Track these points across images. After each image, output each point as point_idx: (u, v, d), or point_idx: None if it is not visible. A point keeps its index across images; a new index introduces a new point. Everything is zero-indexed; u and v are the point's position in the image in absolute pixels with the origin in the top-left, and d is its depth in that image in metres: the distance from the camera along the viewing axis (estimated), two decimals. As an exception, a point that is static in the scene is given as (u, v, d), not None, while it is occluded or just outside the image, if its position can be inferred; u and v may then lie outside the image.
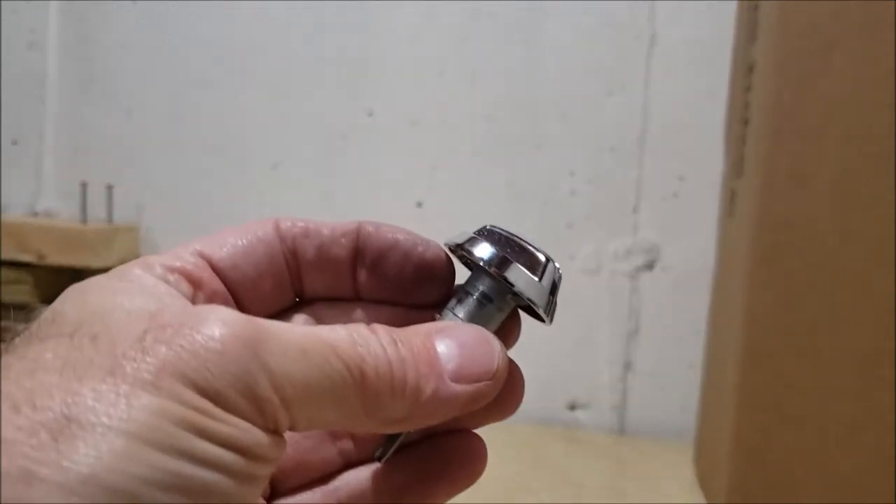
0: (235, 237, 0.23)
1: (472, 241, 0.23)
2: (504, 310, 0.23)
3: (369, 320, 0.23)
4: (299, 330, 0.18)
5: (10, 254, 0.91)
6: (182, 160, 1.00)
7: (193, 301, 0.21)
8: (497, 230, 0.23)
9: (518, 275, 0.22)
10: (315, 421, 0.18)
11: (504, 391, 0.21)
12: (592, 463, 0.81)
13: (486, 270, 0.22)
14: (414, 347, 0.19)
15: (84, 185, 0.97)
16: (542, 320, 0.24)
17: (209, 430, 0.15)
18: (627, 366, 0.93)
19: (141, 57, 1.00)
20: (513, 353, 0.23)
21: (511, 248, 0.22)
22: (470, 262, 0.24)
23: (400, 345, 0.19)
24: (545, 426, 0.88)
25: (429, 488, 0.22)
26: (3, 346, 0.18)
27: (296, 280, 0.23)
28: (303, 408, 0.17)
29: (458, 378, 0.19)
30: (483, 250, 0.22)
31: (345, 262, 0.23)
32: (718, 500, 0.65)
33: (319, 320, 0.24)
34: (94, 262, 0.91)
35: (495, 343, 0.21)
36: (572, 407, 0.94)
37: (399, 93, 0.96)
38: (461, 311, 0.22)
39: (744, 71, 0.69)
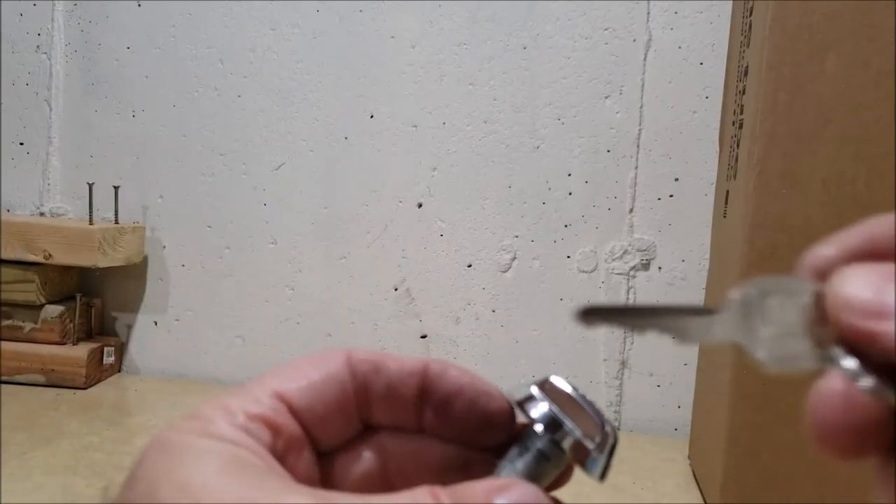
0: (309, 372, 0.24)
1: (531, 400, 0.23)
2: (560, 466, 0.23)
3: (432, 456, 0.24)
4: None
5: (16, 254, 0.91)
6: (187, 161, 1.01)
7: (273, 447, 0.22)
8: (558, 385, 0.24)
9: (573, 443, 0.23)
10: None
11: None
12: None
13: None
14: None
15: (90, 186, 0.98)
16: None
17: None
18: (624, 364, 0.94)
19: (146, 59, 1.01)
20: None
21: (568, 411, 0.23)
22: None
23: None
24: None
25: None
26: None
27: (364, 411, 0.24)
28: None
29: None
30: (540, 413, 0.23)
31: (411, 399, 0.24)
32: (714, 496, 0.66)
33: (385, 453, 0.25)
34: (101, 262, 0.92)
35: None
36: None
37: (400, 96, 0.97)
38: (520, 464, 0.23)
39: (738, 74, 0.70)
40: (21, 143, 1.04)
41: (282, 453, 0.22)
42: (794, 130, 0.59)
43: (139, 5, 1.01)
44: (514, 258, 0.95)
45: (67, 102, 1.03)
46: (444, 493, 0.20)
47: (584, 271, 0.94)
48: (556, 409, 0.23)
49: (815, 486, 0.59)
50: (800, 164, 0.59)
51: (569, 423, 0.23)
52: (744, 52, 0.68)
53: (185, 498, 0.18)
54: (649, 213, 0.93)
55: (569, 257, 0.94)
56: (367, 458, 0.25)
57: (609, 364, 0.94)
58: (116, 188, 0.99)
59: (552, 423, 0.23)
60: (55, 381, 0.91)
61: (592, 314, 0.22)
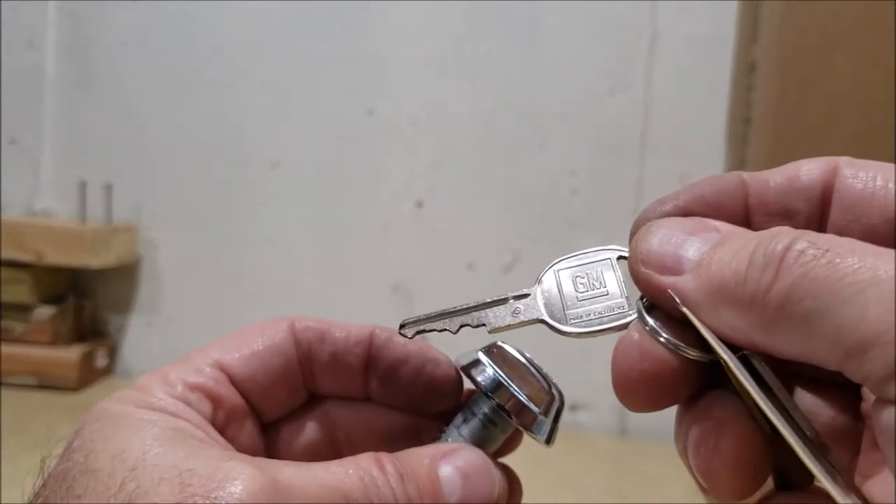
0: (252, 343, 0.24)
1: (477, 365, 0.23)
2: (507, 430, 0.23)
3: (380, 423, 0.25)
4: (316, 484, 0.19)
5: (8, 253, 0.91)
6: (181, 159, 1.00)
7: (213, 418, 0.22)
8: (505, 350, 0.23)
9: (518, 406, 0.23)
10: None
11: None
12: (593, 464, 0.81)
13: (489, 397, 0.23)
14: (420, 482, 0.20)
15: (83, 185, 0.97)
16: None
17: None
18: (628, 366, 0.93)
19: (140, 56, 1.00)
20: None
21: (514, 375, 0.23)
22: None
23: (407, 482, 0.20)
24: (545, 427, 0.87)
25: None
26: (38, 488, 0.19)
27: (309, 380, 0.24)
28: None
29: None
30: (486, 377, 0.23)
31: (357, 368, 0.24)
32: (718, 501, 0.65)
33: (333, 423, 0.25)
34: (93, 262, 0.91)
35: (495, 473, 0.22)
36: (574, 408, 0.93)
37: (399, 92, 0.96)
38: (466, 430, 0.23)
39: (745, 70, 0.69)
40: (13, 142, 1.03)
41: (222, 424, 0.22)
42: (802, 127, 0.59)
43: (133, 2, 1.00)
44: (516, 259, 0.95)
45: (60, 100, 1.02)
46: (387, 460, 0.20)
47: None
48: (500, 374, 0.23)
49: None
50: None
51: (513, 387, 0.23)
52: (751, 47, 0.68)
53: (120, 466, 0.18)
54: (653, 212, 0.92)
55: (571, 257, 0.94)
56: (313, 428, 0.25)
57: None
58: (109, 187, 0.98)
59: (496, 388, 0.23)
60: (47, 384, 0.90)
61: (406, 325, 0.23)
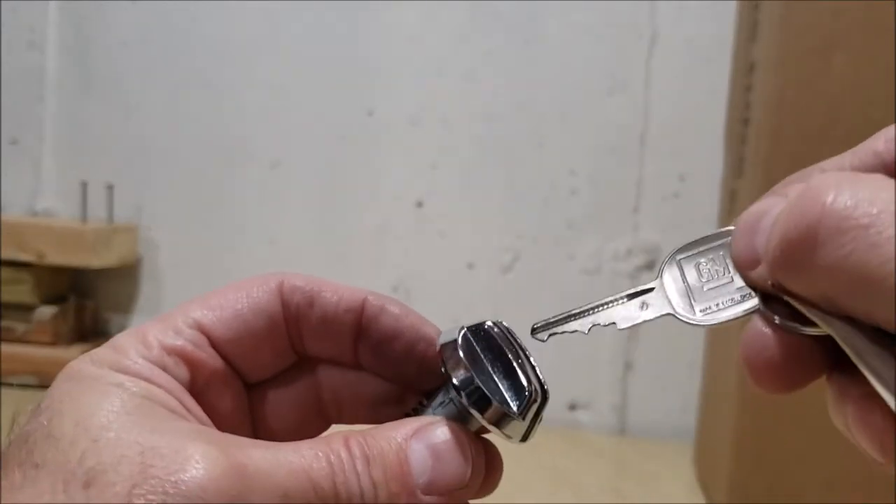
0: (236, 301, 0.23)
1: (455, 359, 0.21)
2: (481, 422, 0.22)
3: (368, 388, 0.24)
4: (283, 469, 0.18)
5: (9, 253, 0.91)
6: (182, 159, 1.00)
7: (191, 383, 0.21)
8: (493, 333, 0.22)
9: (493, 411, 0.21)
10: None
11: (482, 480, 0.22)
12: (592, 463, 0.81)
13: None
14: (387, 464, 0.20)
15: (84, 185, 0.97)
16: None
17: None
18: (628, 366, 0.93)
19: (140, 56, 1.00)
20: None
21: (493, 366, 0.22)
22: None
23: (373, 466, 0.19)
24: (545, 426, 0.87)
25: None
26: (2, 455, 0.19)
27: (297, 342, 0.24)
28: None
29: (430, 491, 0.20)
30: (461, 373, 0.21)
31: (347, 335, 0.24)
32: (719, 500, 0.65)
33: (319, 384, 0.24)
34: (94, 262, 0.91)
35: (468, 449, 0.21)
36: (572, 407, 0.93)
37: (399, 92, 0.96)
38: (442, 412, 0.22)
39: (744, 70, 0.69)
40: (14, 142, 1.03)
41: (200, 389, 0.21)
42: (801, 128, 0.59)
43: (133, 2, 1.00)
44: (515, 258, 0.95)
45: (60, 100, 1.02)
46: (355, 442, 0.20)
47: (587, 272, 0.93)
48: (472, 368, 0.21)
49: (821, 490, 0.59)
50: (807, 162, 0.59)
51: (484, 386, 0.21)
52: (749, 47, 0.68)
53: (83, 435, 0.18)
54: (654, 212, 0.92)
55: (572, 258, 0.94)
56: (299, 389, 0.24)
57: (613, 366, 0.93)
58: (110, 187, 0.98)
59: (466, 384, 0.21)
60: (48, 384, 0.89)
61: (537, 330, 0.23)
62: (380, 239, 0.97)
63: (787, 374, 0.19)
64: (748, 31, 0.69)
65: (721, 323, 0.21)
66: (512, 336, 0.23)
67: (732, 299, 0.21)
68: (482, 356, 0.22)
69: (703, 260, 0.22)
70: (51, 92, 1.02)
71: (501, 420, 0.21)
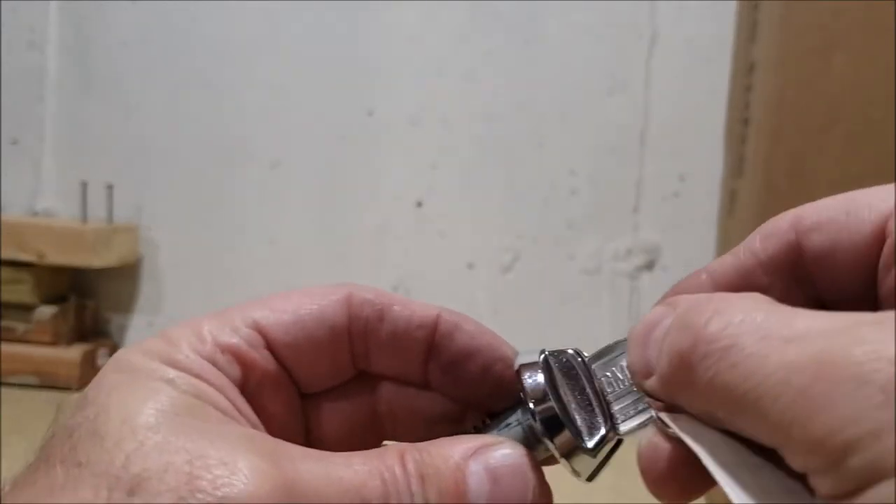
0: (300, 306, 0.22)
1: (534, 381, 0.21)
2: (549, 453, 0.21)
3: (428, 407, 0.23)
4: (334, 487, 0.18)
5: (9, 253, 0.90)
6: (182, 159, 1.00)
7: (244, 383, 0.20)
8: (574, 363, 0.21)
9: (566, 442, 0.20)
10: None
11: None
12: (592, 463, 0.81)
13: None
14: (443, 483, 0.19)
15: (84, 185, 0.97)
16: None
17: None
18: (627, 365, 0.94)
19: (141, 56, 1.00)
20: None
21: (571, 399, 0.21)
22: None
23: (428, 485, 0.19)
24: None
25: None
26: (47, 450, 0.18)
27: (361, 357, 0.23)
28: None
29: None
30: (539, 396, 0.20)
31: (418, 354, 0.22)
32: (719, 500, 0.65)
33: (378, 400, 0.23)
34: (94, 262, 0.91)
35: (531, 478, 0.20)
36: (572, 407, 0.94)
37: (399, 92, 0.96)
38: (507, 433, 0.21)
39: (744, 70, 0.69)
40: (14, 142, 1.03)
41: (253, 391, 0.21)
42: (801, 128, 0.59)
43: (133, 2, 1.00)
44: (515, 258, 0.95)
45: (60, 100, 1.02)
46: (410, 457, 0.19)
47: (587, 272, 0.93)
48: (552, 397, 0.20)
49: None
50: (807, 161, 0.59)
51: (564, 417, 0.20)
52: (749, 47, 0.68)
53: (129, 436, 0.17)
54: (654, 211, 0.92)
55: (572, 258, 0.94)
56: (355, 403, 0.23)
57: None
58: (110, 187, 0.98)
59: (545, 419, 0.20)
60: (48, 383, 0.90)
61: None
62: (380, 239, 0.97)
63: (681, 484, 0.19)
64: (748, 31, 0.69)
65: (629, 431, 0.21)
66: (590, 369, 0.21)
67: (636, 408, 0.21)
68: (561, 384, 0.21)
69: (607, 372, 0.22)
70: (51, 92, 1.02)
71: (573, 452, 0.20)
